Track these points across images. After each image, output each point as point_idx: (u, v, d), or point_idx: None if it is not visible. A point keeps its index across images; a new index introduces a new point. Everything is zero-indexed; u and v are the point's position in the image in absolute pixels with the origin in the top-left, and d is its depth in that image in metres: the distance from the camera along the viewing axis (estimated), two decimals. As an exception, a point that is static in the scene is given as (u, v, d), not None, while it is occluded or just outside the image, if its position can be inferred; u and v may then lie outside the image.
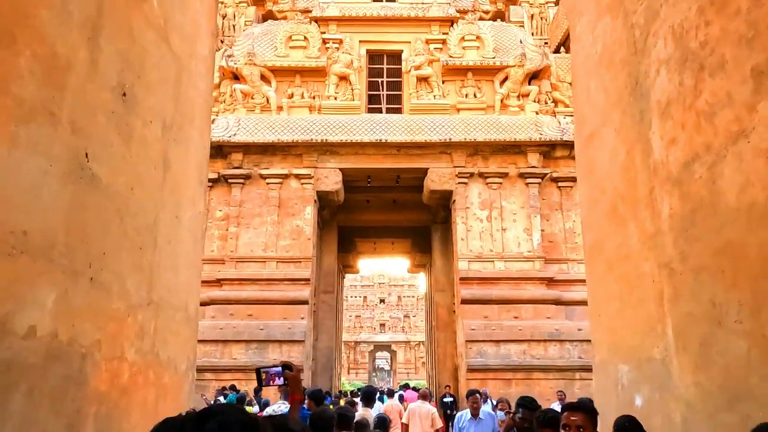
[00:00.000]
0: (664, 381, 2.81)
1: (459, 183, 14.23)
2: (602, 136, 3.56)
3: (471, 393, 6.27)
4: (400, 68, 15.52)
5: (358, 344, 46.69)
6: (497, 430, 5.86)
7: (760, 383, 2.11)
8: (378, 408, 7.91)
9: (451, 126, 14.29)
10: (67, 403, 2.00)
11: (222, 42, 16.06)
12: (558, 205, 14.40)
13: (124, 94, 2.42)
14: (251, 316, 13.12)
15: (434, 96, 14.90)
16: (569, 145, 14.04)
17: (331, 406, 7.01)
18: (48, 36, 1.94)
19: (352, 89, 14.86)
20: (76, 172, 2.07)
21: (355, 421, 4.31)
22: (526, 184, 14.27)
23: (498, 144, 14.26)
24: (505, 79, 14.86)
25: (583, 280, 4.31)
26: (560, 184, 14.46)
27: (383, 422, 5.56)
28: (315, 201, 14.42)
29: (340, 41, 15.16)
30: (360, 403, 6.91)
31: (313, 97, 14.84)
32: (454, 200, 14.38)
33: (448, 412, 11.99)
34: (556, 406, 9.06)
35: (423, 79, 14.99)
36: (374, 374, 48.74)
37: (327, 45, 15.17)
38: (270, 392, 9.95)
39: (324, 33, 15.27)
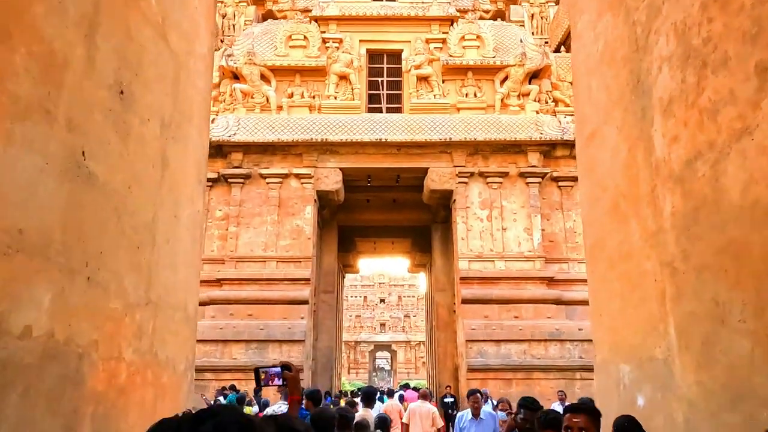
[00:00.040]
0: (666, 381, 2.79)
1: (459, 182, 14.21)
2: (603, 134, 3.54)
3: (472, 393, 6.23)
4: (400, 67, 15.50)
5: (358, 344, 46.68)
6: (498, 430, 5.83)
7: (764, 382, 2.09)
8: (378, 408, 7.89)
9: (452, 125, 14.26)
10: (64, 403, 1.98)
11: (222, 41, 16.04)
12: (558, 205, 14.38)
13: (122, 92, 2.40)
14: (251, 316, 13.11)
15: (434, 95, 14.88)
16: (569, 145, 14.02)
17: (332, 406, 6.99)
18: (44, 33, 1.92)
19: (352, 89, 14.84)
20: (73, 170, 2.05)
21: (355, 422, 4.29)
22: (527, 183, 14.25)
23: (498, 143, 14.24)
24: (506, 78, 14.84)
25: (584, 280, 4.29)
26: (560, 183, 14.44)
27: (384, 422, 5.54)
28: (315, 200, 14.40)
29: (340, 40, 15.14)
30: (360, 404, 6.88)
31: (313, 97, 14.81)
32: (455, 200, 14.36)
33: (450, 412, 11.98)
34: (557, 406, 9.04)
35: (423, 79, 14.97)
36: (374, 374, 48.73)
37: (327, 44, 15.15)
38: (270, 392, 9.93)
39: (324, 32, 15.25)
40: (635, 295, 3.13)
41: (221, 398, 10.49)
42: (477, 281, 13.60)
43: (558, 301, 13.46)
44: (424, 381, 28.00)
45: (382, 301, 48.59)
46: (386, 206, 17.27)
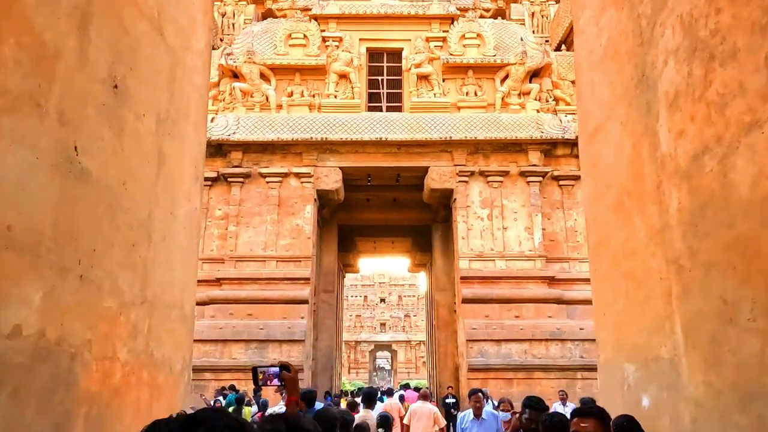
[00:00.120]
0: (672, 380, 2.74)
1: (460, 181, 14.16)
2: (607, 130, 3.49)
3: (473, 392, 6.16)
4: (401, 66, 15.45)
5: (358, 344, 46.64)
6: (501, 430, 5.77)
7: (775, 383, 2.04)
8: (377, 408, 7.84)
9: (452, 124, 14.21)
10: (56, 404, 1.93)
11: (221, 40, 16.00)
12: (559, 204, 14.33)
13: (116, 86, 2.34)
14: (251, 316, 13.06)
15: (435, 94, 14.83)
16: (570, 144, 13.98)
17: (332, 405, 6.95)
18: (34, 23, 1.87)
19: (352, 87, 14.79)
20: (65, 166, 2.00)
21: (354, 425, 4.24)
22: (527, 182, 14.19)
23: (499, 142, 14.20)
24: (506, 77, 14.79)
25: (585, 279, 4.26)
26: (561, 182, 14.39)
27: (386, 420, 5.50)
28: (315, 200, 14.35)
29: (340, 39, 15.09)
30: (361, 405, 6.84)
31: (313, 96, 14.76)
32: (455, 199, 14.30)
33: (452, 412, 11.94)
34: (559, 406, 8.99)
35: (423, 77, 14.92)
36: (375, 374, 48.69)
37: (327, 43, 15.10)
38: (269, 392, 9.88)
39: (324, 31, 15.20)
40: (640, 293, 3.07)
41: (221, 398, 10.44)
42: (477, 281, 13.55)
43: (559, 301, 13.41)
44: (424, 381, 27.95)
45: (383, 300, 48.55)
46: (386, 205, 17.22)
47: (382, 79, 15.54)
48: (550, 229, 14.10)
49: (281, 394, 6.34)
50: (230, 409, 8.70)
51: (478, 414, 5.89)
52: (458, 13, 15.42)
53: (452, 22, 15.33)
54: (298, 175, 14.24)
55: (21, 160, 1.79)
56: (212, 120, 13.80)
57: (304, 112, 14.52)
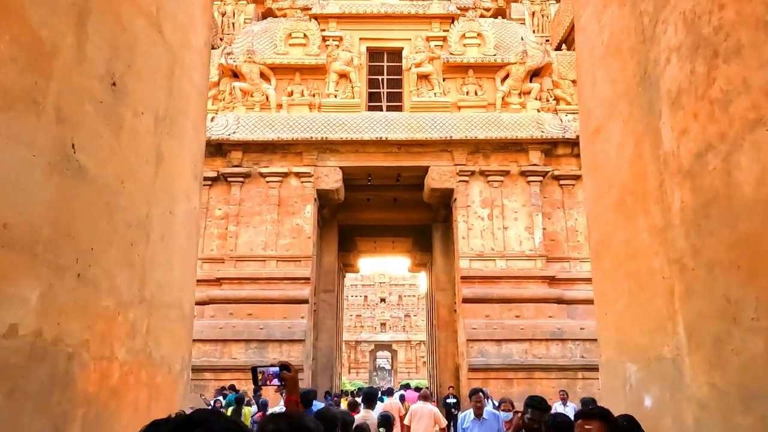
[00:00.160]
0: (675, 381, 2.71)
1: (460, 181, 14.14)
2: (609, 129, 3.46)
3: (474, 392, 6.14)
4: (401, 66, 15.43)
5: (358, 344, 46.63)
6: (502, 430, 5.75)
7: (780, 383, 2.01)
8: (377, 408, 7.83)
9: (452, 124, 14.19)
10: (53, 405, 1.90)
11: (221, 40, 15.98)
12: (560, 204, 14.31)
13: (114, 84, 2.32)
14: (251, 316, 13.04)
15: (435, 93, 14.81)
16: (571, 143, 13.96)
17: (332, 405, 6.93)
18: (31, 20, 1.85)
19: (352, 87, 14.77)
20: (62, 163, 1.98)
21: (354, 425, 4.22)
22: (528, 182, 14.18)
23: (499, 142, 14.18)
24: (507, 76, 14.77)
25: (586, 279, 4.24)
26: (562, 182, 14.37)
27: (387, 420, 5.48)
28: (315, 199, 14.33)
29: (340, 39, 15.07)
30: (362, 405, 6.83)
31: (313, 95, 14.74)
32: (455, 198, 14.29)
33: (453, 412, 11.92)
34: (559, 406, 8.98)
35: (423, 77, 14.90)
36: (375, 374, 48.67)
37: (327, 42, 15.08)
38: (269, 392, 9.86)
39: (324, 30, 15.18)
40: (642, 293, 3.05)
41: (221, 398, 10.42)
42: (478, 280, 13.53)
43: (559, 301, 13.39)
44: (424, 381, 27.94)
45: (383, 300, 48.54)
46: (387, 205, 17.21)
47: (383, 79, 15.52)
48: (550, 228, 14.09)
49: (281, 394, 6.32)
50: (230, 409, 8.69)
51: (479, 414, 5.87)
52: (458, 12, 15.41)
53: (452, 22, 15.31)
54: (298, 175, 14.22)
55: (18, 158, 1.77)
56: (212, 119, 13.78)
57: (304, 112, 14.50)
